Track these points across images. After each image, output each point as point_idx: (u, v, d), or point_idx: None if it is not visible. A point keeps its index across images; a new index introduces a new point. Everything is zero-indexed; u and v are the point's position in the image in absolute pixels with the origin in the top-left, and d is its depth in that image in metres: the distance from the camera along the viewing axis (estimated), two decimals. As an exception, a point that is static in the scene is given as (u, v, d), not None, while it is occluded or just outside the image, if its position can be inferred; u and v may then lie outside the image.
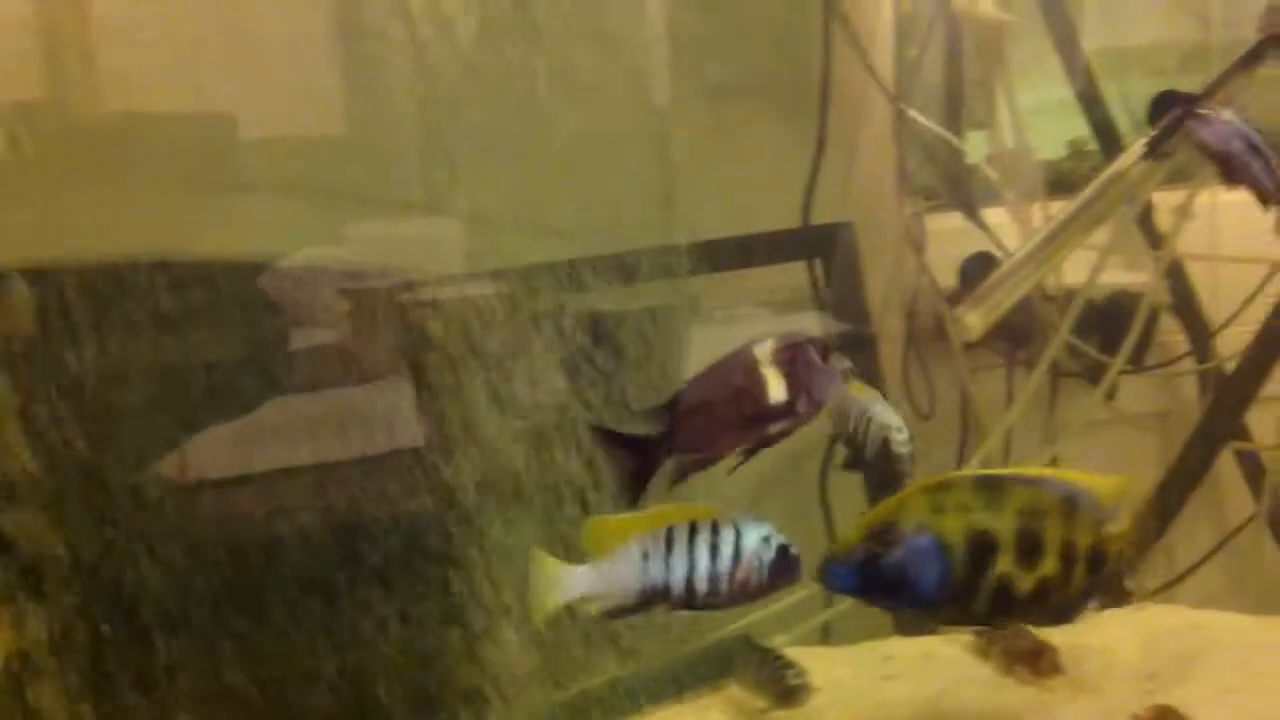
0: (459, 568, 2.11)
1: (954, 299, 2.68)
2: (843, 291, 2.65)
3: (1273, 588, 2.67)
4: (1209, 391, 2.87)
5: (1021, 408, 2.46)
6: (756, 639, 2.06)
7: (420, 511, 2.15)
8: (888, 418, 1.80)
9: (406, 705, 2.00)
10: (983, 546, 1.48)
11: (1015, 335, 2.89)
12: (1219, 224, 3.07)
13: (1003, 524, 1.49)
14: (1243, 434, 2.75)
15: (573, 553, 1.54)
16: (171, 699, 1.91)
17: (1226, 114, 2.05)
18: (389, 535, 2.11)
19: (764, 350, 1.48)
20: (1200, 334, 2.95)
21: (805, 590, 2.35)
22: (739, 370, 1.49)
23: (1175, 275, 3.00)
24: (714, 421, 1.49)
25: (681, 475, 1.53)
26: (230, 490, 2.05)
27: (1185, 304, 3.00)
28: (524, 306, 2.33)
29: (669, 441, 1.49)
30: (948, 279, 2.86)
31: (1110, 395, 2.85)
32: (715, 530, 1.44)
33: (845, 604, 2.36)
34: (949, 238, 2.91)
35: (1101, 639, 2.07)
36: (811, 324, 2.72)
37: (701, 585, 1.42)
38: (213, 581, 1.96)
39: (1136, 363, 2.88)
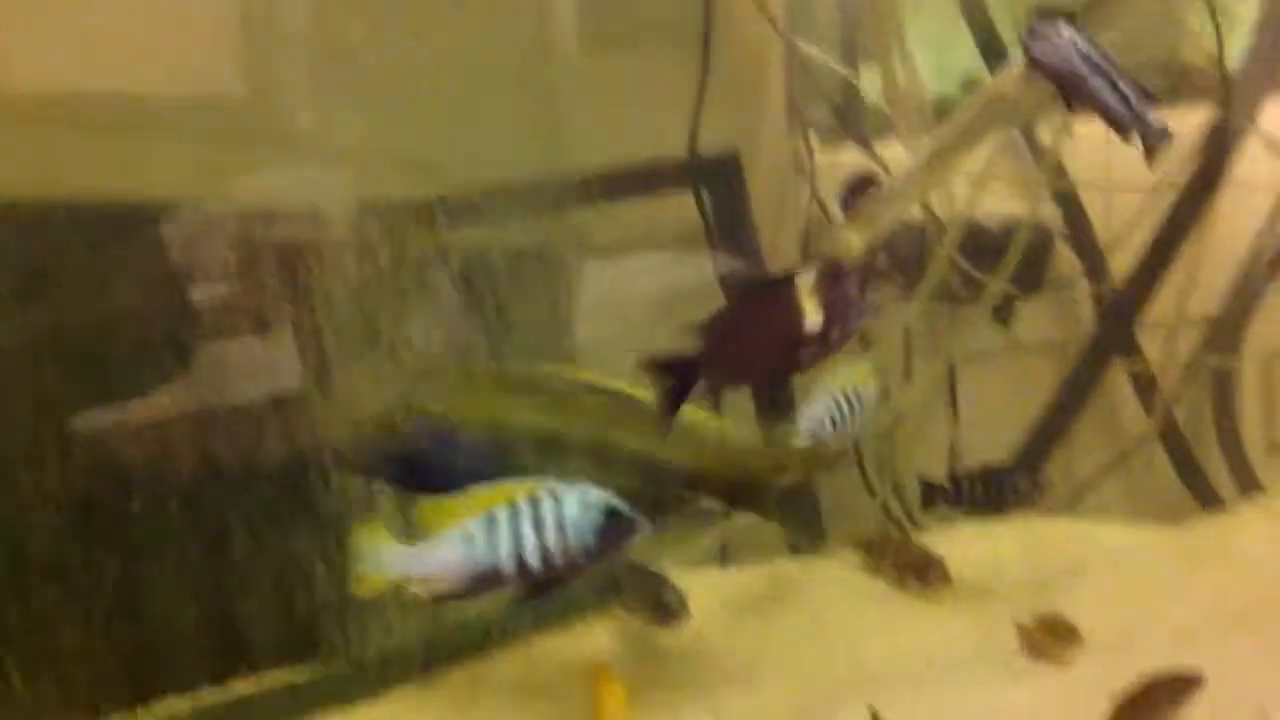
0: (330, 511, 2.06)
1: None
2: (730, 225, 2.61)
3: (1165, 502, 2.69)
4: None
5: (900, 328, 2.45)
6: (639, 562, 2.04)
7: (294, 457, 2.09)
8: None
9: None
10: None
11: (911, 268, 2.88)
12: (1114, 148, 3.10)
13: (527, 418, 1.47)
14: (1136, 353, 2.76)
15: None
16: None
17: (1066, 30, 1.86)
18: (263, 481, 2.05)
19: (805, 279, 1.46)
20: (1094, 259, 2.95)
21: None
22: (778, 296, 1.48)
23: (1069, 204, 3.01)
24: (749, 345, 1.50)
25: (714, 394, 1.56)
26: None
27: (1079, 230, 3.01)
28: (404, 245, 2.28)
29: (704, 361, 1.51)
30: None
31: (1005, 322, 2.85)
32: (536, 504, 1.39)
33: (739, 523, 2.35)
34: (844, 172, 2.89)
35: (989, 551, 2.07)
36: (700, 259, 2.68)
37: (533, 561, 1.38)
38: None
39: (1032, 290, 2.89)
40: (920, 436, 2.84)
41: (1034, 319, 2.99)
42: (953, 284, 2.81)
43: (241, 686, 1.88)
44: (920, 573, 1.94)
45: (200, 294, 2.11)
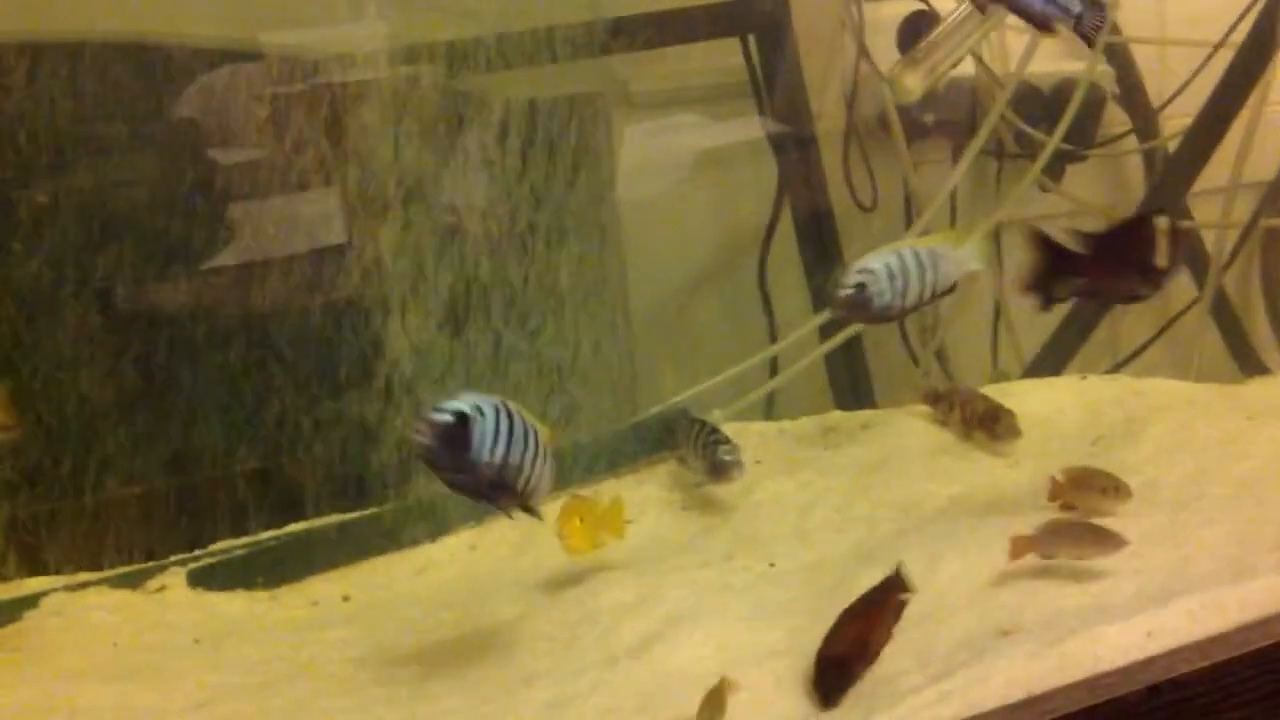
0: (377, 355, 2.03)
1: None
2: (778, 74, 2.53)
3: (1212, 371, 2.65)
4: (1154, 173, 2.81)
5: (954, 183, 2.38)
6: (694, 413, 2.02)
7: (344, 303, 2.06)
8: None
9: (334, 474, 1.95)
10: None
11: (960, 126, 2.81)
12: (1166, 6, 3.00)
13: None
14: (1184, 215, 2.70)
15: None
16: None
17: None
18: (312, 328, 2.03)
19: (1163, 222, 1.61)
20: (1145, 117, 2.88)
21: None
22: (1151, 230, 1.61)
23: (1122, 63, 2.92)
24: (1120, 265, 1.61)
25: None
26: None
27: (1131, 89, 2.92)
28: (442, 91, 2.22)
29: (1084, 266, 1.60)
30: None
31: (1055, 178, 2.79)
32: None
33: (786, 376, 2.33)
34: (891, 25, 2.79)
35: (1046, 406, 2.04)
36: (747, 110, 2.61)
37: None
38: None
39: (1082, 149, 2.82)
40: (964, 302, 2.80)
41: (1082, 179, 2.93)
42: (1005, 142, 2.76)
43: (295, 528, 1.88)
44: (988, 425, 1.91)
45: (239, 145, 2.07)
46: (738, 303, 2.60)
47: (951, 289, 1.65)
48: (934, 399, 2.04)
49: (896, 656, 1.41)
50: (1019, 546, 1.50)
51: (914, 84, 2.15)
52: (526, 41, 2.29)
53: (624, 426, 2.09)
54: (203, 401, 1.89)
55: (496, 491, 1.43)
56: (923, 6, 2.61)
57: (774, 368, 2.45)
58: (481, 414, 1.38)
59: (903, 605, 1.46)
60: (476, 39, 2.25)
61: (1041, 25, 1.62)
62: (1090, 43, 1.67)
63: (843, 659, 1.37)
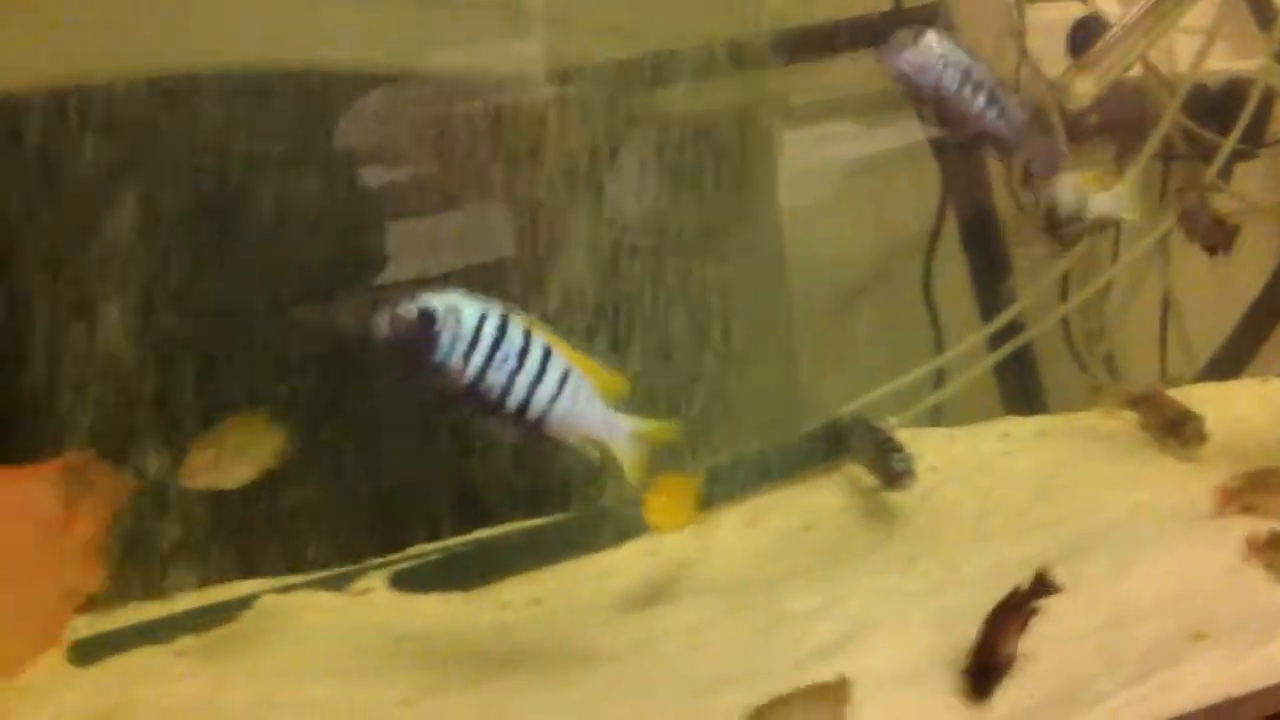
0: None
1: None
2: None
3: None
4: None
5: (1128, 186, 2.35)
6: (870, 420, 2.04)
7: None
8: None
9: (522, 482, 2.02)
10: None
11: (1126, 126, 2.78)
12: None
13: None
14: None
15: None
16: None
17: (931, 36, 1.59)
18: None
19: None
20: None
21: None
22: None
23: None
24: None
25: None
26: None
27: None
28: (603, 109, 2.28)
29: None
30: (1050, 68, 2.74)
31: (1225, 178, 2.73)
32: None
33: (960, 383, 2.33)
34: (1054, 29, 2.78)
35: (1229, 411, 2.02)
36: (907, 117, 2.62)
37: None
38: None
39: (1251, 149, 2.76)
40: (1130, 306, 2.77)
41: (1251, 180, 2.87)
42: (1174, 143, 2.72)
43: (486, 533, 1.96)
44: (1176, 429, 1.89)
45: (400, 165, 2.16)
46: (901, 309, 2.62)
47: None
48: (1135, 403, 2.02)
49: (1086, 661, 1.42)
50: (1223, 498, 1.48)
51: (1087, 88, 2.14)
52: (686, 58, 2.35)
53: (796, 436, 2.13)
54: (396, 409, 1.98)
55: (482, 407, 1.32)
56: (1092, 11, 2.60)
57: (940, 374, 2.46)
58: (457, 317, 1.29)
59: (1031, 612, 1.44)
60: (639, 57, 2.31)
61: (1005, 152, 1.64)
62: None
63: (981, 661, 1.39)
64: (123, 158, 1.89)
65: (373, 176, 2.12)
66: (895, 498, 1.93)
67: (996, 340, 2.39)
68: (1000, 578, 1.66)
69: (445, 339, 1.29)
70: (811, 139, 2.62)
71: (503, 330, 1.31)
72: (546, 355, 1.33)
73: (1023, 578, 1.61)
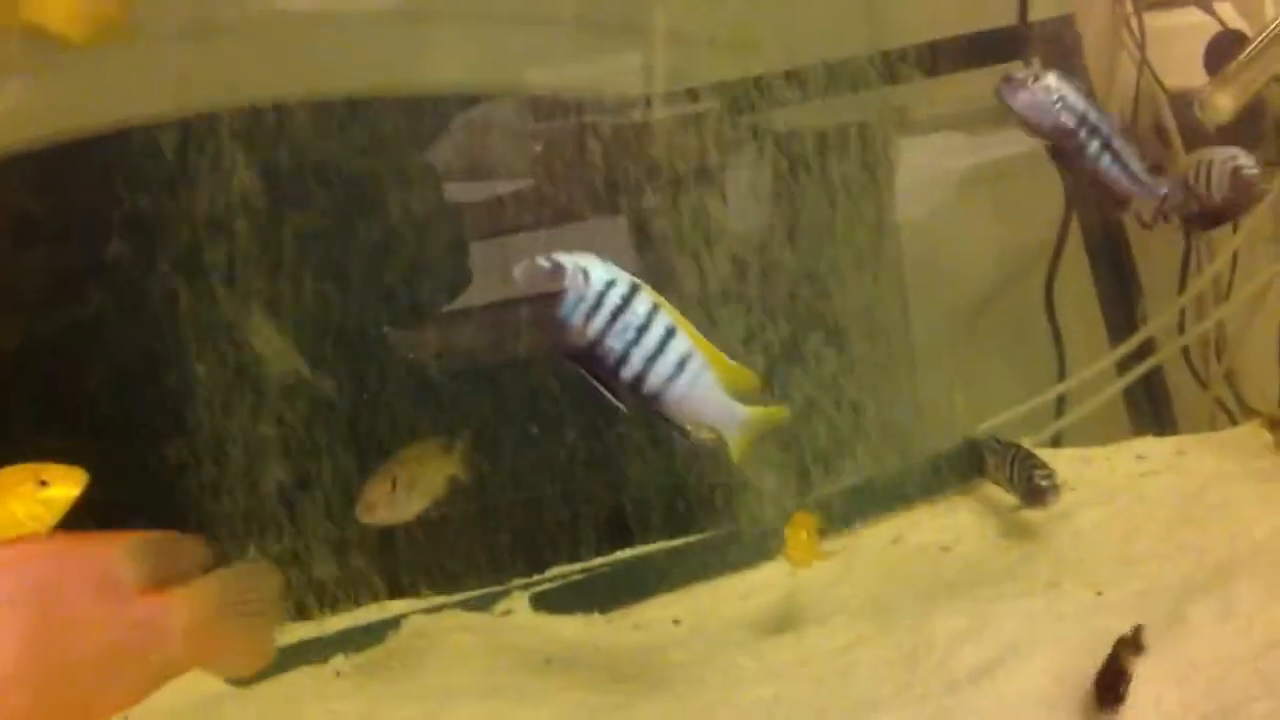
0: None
1: (1180, 100, 2.54)
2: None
3: None
4: None
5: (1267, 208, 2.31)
6: (1007, 439, 2.04)
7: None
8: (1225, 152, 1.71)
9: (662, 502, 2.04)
10: None
11: (1248, 135, 2.73)
12: None
13: None
14: None
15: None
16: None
17: (1051, 78, 1.62)
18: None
19: None
20: None
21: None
22: None
23: None
24: None
25: None
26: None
27: None
28: (725, 125, 2.30)
29: None
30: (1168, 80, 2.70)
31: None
32: None
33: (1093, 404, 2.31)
34: (1170, 36, 2.74)
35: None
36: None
37: None
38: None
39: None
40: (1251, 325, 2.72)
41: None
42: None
43: (626, 554, 1.99)
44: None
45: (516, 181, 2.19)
46: (1022, 323, 2.59)
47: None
48: (1271, 423, 2.00)
49: (1243, 685, 1.41)
50: None
51: (1226, 104, 2.11)
52: (807, 75, 2.35)
53: (928, 456, 2.13)
54: (540, 430, 2.02)
55: (598, 372, 1.34)
56: (1229, 28, 2.56)
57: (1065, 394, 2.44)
58: (586, 277, 1.32)
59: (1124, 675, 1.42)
60: (760, 75, 2.32)
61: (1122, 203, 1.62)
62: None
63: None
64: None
65: (505, 190, 2.16)
66: (1034, 518, 1.92)
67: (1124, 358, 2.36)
68: (1149, 601, 1.66)
69: (571, 296, 1.31)
70: (931, 151, 2.61)
71: (627, 300, 1.33)
72: (669, 334, 1.34)
73: (1174, 603, 1.62)
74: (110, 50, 1.74)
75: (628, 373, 1.34)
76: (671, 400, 1.37)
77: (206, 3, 2.01)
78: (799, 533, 1.72)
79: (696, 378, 1.36)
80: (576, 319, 1.32)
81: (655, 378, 1.35)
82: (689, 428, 1.41)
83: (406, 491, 1.58)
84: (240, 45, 2.00)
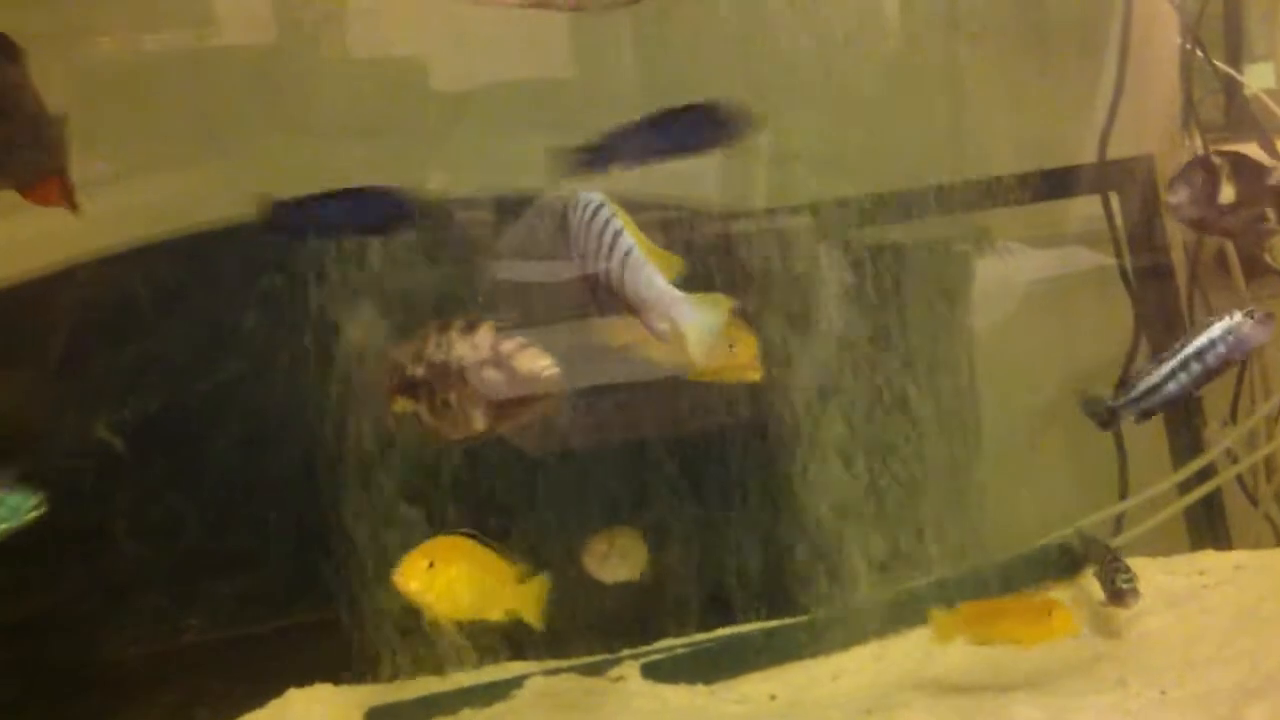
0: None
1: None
2: (1140, 224, 2.73)
3: None
4: None
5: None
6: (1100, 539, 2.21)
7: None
8: None
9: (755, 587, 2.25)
10: None
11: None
12: None
13: None
14: None
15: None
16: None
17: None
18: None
19: None
20: None
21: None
22: None
23: None
24: None
25: None
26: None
27: None
28: (819, 241, 2.50)
29: None
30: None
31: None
32: None
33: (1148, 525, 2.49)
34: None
35: None
36: (1100, 256, 2.80)
37: None
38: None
39: None
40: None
41: None
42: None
43: (727, 631, 2.18)
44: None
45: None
46: (1086, 436, 2.76)
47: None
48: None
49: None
50: None
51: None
52: (903, 199, 2.56)
53: (1016, 555, 2.31)
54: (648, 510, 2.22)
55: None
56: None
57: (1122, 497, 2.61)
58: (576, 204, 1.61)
59: None
60: (858, 196, 2.53)
61: None
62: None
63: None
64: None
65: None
66: (1112, 617, 2.08)
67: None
68: (1209, 703, 1.84)
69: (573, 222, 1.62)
70: (1010, 268, 2.80)
71: (595, 213, 1.61)
72: (617, 234, 1.60)
73: (1232, 704, 1.79)
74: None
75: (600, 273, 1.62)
76: (629, 293, 1.62)
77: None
78: (949, 618, 1.93)
79: (640, 269, 1.60)
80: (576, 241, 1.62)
81: (613, 274, 1.61)
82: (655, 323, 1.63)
83: (620, 557, 1.80)
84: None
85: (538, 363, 1.63)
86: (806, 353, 2.47)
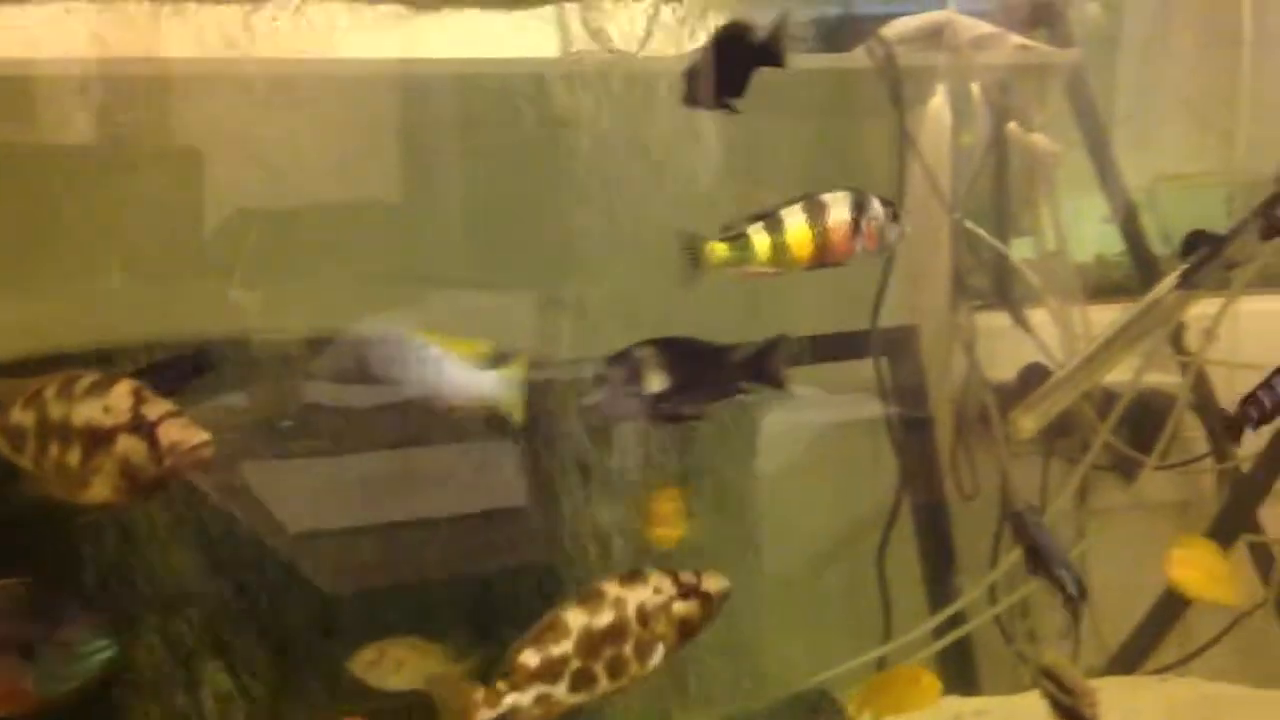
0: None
1: (1002, 391, 3.02)
2: (905, 383, 2.98)
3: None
4: (1226, 486, 3.17)
5: (1067, 497, 2.76)
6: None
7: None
8: None
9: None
10: None
11: (1052, 427, 3.20)
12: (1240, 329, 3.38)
13: None
14: (1255, 528, 3.05)
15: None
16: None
17: None
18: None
19: None
20: (1219, 433, 3.24)
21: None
22: None
23: (1197, 377, 3.30)
24: None
25: None
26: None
27: (1205, 403, 3.29)
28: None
29: None
30: (992, 373, 3.18)
31: (1131, 481, 3.15)
32: None
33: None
34: (994, 335, 3.23)
35: (1125, 708, 2.37)
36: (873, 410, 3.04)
37: None
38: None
39: (1161, 457, 3.17)
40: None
41: (1157, 480, 3.28)
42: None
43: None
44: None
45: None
46: (856, 581, 2.98)
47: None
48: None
49: None
50: None
51: (1030, 425, 2.59)
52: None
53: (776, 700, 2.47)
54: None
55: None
56: (1037, 362, 3.05)
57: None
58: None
59: None
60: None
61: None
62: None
63: None
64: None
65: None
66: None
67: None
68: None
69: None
70: (793, 418, 3.00)
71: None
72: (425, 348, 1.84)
73: None
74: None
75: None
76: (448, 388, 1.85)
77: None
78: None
79: (447, 364, 1.83)
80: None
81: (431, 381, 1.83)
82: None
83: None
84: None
85: (187, 434, 1.52)
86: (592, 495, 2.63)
